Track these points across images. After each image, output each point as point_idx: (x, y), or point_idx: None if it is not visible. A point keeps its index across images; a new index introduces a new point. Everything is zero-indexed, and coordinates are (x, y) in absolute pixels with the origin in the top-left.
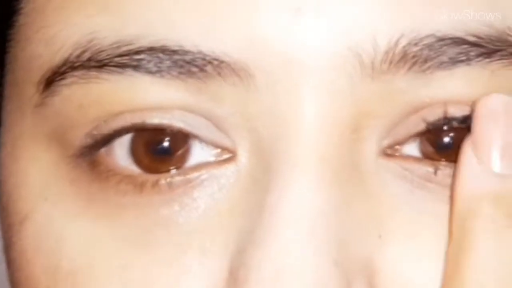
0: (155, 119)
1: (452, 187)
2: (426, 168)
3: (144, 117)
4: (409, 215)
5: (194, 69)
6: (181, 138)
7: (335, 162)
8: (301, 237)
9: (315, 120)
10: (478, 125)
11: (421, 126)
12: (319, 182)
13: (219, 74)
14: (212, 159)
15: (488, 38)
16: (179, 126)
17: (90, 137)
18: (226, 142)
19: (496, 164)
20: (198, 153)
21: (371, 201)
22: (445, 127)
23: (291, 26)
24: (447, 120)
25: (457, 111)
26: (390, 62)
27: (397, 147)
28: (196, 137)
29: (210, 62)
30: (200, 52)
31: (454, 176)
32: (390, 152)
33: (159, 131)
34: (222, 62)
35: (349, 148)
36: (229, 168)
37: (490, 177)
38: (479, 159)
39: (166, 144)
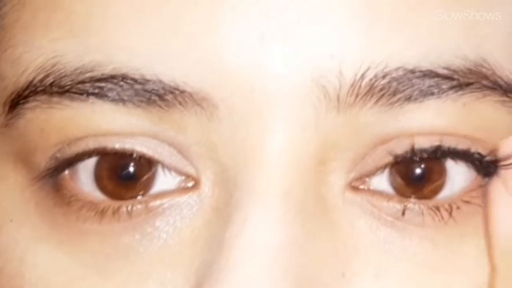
0: (117, 144)
1: (486, 227)
2: (395, 206)
3: (106, 142)
4: (375, 254)
5: (155, 98)
6: (146, 164)
7: (299, 196)
8: (258, 273)
9: (279, 152)
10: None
11: (389, 158)
12: (281, 216)
13: (180, 103)
14: (175, 186)
15: (461, 70)
16: (142, 151)
17: (53, 160)
18: (190, 170)
19: None
20: (162, 180)
21: (336, 237)
22: (416, 158)
23: (254, 55)
24: (414, 152)
25: (426, 142)
26: (357, 95)
27: (366, 179)
28: (160, 163)
29: (170, 92)
30: (160, 81)
31: (487, 215)
32: (357, 184)
33: (123, 156)
34: (183, 91)
35: (315, 181)
36: (192, 197)
37: None
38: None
39: (131, 169)
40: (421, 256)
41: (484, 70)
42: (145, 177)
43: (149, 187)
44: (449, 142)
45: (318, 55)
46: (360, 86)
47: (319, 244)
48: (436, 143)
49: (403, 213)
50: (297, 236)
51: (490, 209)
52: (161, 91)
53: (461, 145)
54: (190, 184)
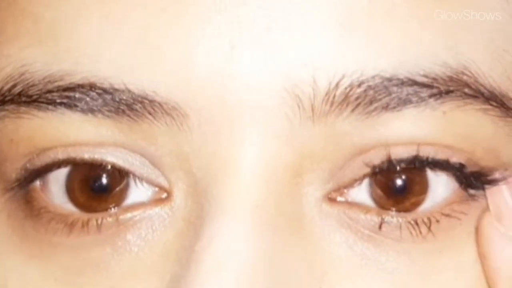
0: (86, 154)
1: (482, 264)
2: (372, 219)
3: (76, 152)
4: (351, 269)
5: (123, 108)
6: (118, 175)
7: (272, 209)
8: None
9: (250, 164)
10: (496, 197)
11: (367, 169)
12: (251, 231)
13: (149, 113)
14: (148, 198)
15: (441, 78)
16: (113, 161)
17: (23, 170)
18: (162, 181)
19: None
20: (135, 192)
21: (311, 250)
22: (394, 169)
23: (224, 65)
24: (392, 162)
25: (404, 152)
26: (331, 104)
27: (344, 190)
28: (132, 174)
29: (139, 101)
30: (129, 91)
31: (481, 252)
32: (335, 195)
33: (95, 167)
34: (152, 101)
35: (289, 193)
36: (164, 209)
37: None
38: (506, 227)
39: (103, 181)
40: (398, 272)
41: (465, 77)
42: (117, 189)
43: (122, 199)
44: (428, 152)
45: (290, 64)
46: (335, 95)
47: (293, 258)
48: (414, 153)
49: (380, 227)
50: (268, 251)
51: (486, 248)
52: (130, 101)
53: (441, 155)
54: (163, 195)
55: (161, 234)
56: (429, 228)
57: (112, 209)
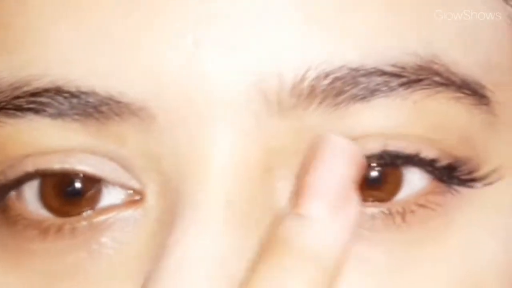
0: (56, 165)
1: None
2: None
3: (46, 163)
4: None
5: (91, 110)
6: (91, 180)
7: (243, 206)
8: (194, 285)
9: (221, 161)
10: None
11: None
12: (222, 227)
13: (116, 114)
14: (122, 200)
15: (410, 67)
16: (83, 170)
17: None
18: (134, 184)
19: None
20: (108, 194)
21: None
22: (367, 162)
23: (189, 62)
24: (366, 158)
25: (375, 145)
26: (298, 98)
27: None
28: (103, 180)
29: (106, 103)
30: (95, 93)
31: None
32: None
33: (67, 174)
34: (118, 102)
35: (261, 189)
36: (138, 210)
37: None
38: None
39: (76, 186)
40: (374, 262)
41: (435, 66)
42: (90, 193)
43: (96, 202)
44: (397, 147)
45: (256, 58)
46: (301, 87)
47: None
48: (386, 146)
49: None
50: (240, 248)
51: None
52: (97, 103)
53: (411, 149)
54: (136, 197)
55: (135, 235)
56: (403, 218)
57: (86, 212)
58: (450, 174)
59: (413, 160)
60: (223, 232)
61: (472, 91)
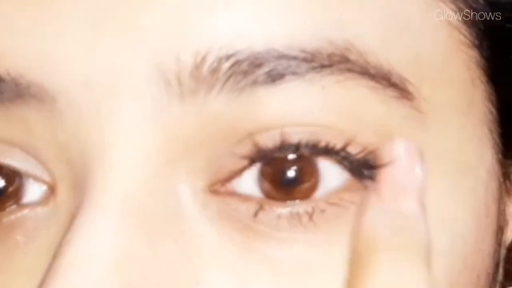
0: None
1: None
2: (251, 208)
3: None
4: (233, 259)
5: None
6: (11, 175)
7: (145, 199)
8: (84, 285)
9: (120, 151)
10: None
11: (249, 158)
12: (118, 223)
13: (18, 96)
14: (39, 195)
15: (319, 52)
16: (3, 163)
17: None
18: (46, 177)
19: (397, 200)
20: (29, 190)
21: (189, 243)
22: (290, 157)
23: (86, 46)
24: (279, 147)
25: (292, 137)
26: (198, 81)
27: (227, 181)
28: (17, 172)
29: (8, 86)
30: None
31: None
32: (218, 187)
33: None
34: (18, 84)
35: (164, 183)
36: (49, 205)
37: (390, 214)
38: (380, 197)
39: None
40: (280, 262)
41: (348, 53)
42: (12, 188)
43: (20, 198)
44: (305, 132)
45: (153, 41)
46: (201, 70)
47: (168, 252)
48: (291, 135)
49: (255, 215)
50: (139, 245)
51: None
52: (1, 87)
53: (319, 136)
54: (49, 191)
55: (46, 231)
56: (310, 217)
57: (9, 208)
58: (365, 168)
59: (322, 150)
60: (117, 229)
61: (390, 82)
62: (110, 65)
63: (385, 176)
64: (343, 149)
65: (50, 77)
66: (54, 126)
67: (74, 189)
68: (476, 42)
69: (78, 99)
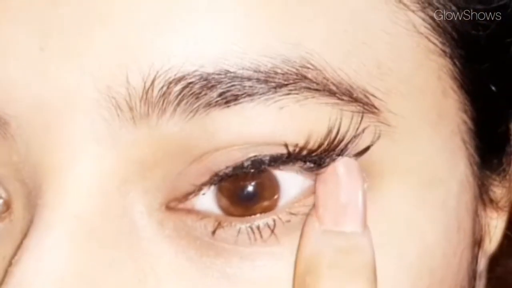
0: None
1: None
2: (209, 225)
3: None
4: (191, 277)
5: None
6: None
7: (97, 219)
8: None
9: (73, 172)
10: (318, 189)
11: (206, 177)
12: (70, 244)
13: None
14: None
15: (273, 71)
16: None
17: None
18: (3, 194)
19: (338, 222)
20: None
21: (144, 262)
22: (238, 173)
23: (36, 69)
24: (233, 168)
25: (239, 155)
26: (150, 105)
27: (185, 199)
28: None
29: None
30: None
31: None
32: (175, 204)
33: None
34: None
35: (119, 203)
36: (5, 222)
37: (331, 236)
38: (320, 220)
39: None
40: (240, 277)
41: (304, 71)
42: None
43: None
44: (265, 152)
45: (102, 64)
46: (151, 94)
47: (122, 272)
48: (251, 154)
49: (213, 233)
50: (92, 266)
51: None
52: None
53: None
54: (5, 209)
55: (2, 248)
56: (272, 230)
57: None
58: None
59: (280, 163)
60: (66, 248)
61: (352, 97)
62: (60, 89)
63: (324, 198)
64: (301, 157)
65: (4, 102)
66: (8, 148)
67: (28, 208)
68: (448, 50)
69: (29, 123)
